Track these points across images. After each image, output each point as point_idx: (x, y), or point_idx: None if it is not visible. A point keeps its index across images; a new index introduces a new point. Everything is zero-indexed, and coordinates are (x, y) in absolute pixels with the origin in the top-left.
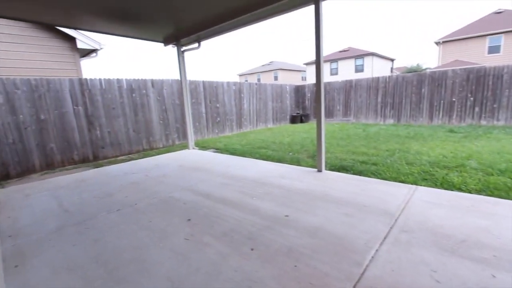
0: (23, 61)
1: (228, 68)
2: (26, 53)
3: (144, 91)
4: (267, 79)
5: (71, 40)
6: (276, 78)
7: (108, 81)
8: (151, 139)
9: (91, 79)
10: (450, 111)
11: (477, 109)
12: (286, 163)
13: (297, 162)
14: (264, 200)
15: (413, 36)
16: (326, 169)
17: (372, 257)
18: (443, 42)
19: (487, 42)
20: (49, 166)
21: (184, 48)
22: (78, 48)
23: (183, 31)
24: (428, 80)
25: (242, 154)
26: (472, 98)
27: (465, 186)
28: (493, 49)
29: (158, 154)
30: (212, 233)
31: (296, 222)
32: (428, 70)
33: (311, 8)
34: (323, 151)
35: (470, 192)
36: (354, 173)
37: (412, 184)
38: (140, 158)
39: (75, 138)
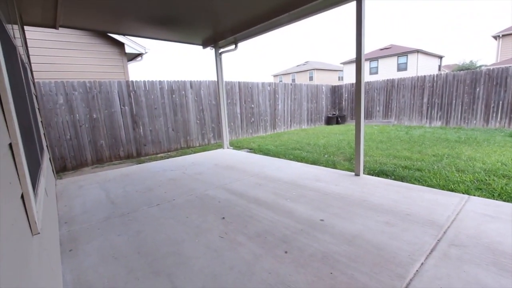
0: (79, 65)
1: (263, 69)
2: (82, 58)
3: (183, 92)
4: (302, 79)
5: (120, 45)
6: (311, 78)
7: (151, 83)
8: (188, 138)
9: (136, 81)
10: (511, 113)
11: None
12: (321, 166)
13: (333, 165)
14: (298, 202)
15: (465, 30)
16: (364, 173)
17: (417, 271)
18: (503, 35)
19: None
20: (99, 160)
21: (221, 50)
22: (126, 53)
23: (220, 34)
24: (484, 79)
25: (276, 155)
26: None
27: None
28: None
29: (195, 152)
30: (245, 233)
31: (332, 227)
32: (483, 68)
33: (350, 5)
34: (362, 154)
35: None
36: (395, 179)
37: (463, 193)
38: (178, 156)
39: (121, 136)
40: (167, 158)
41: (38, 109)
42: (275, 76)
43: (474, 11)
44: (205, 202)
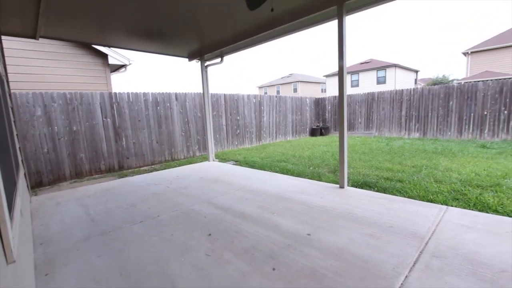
0: (60, 76)
1: (248, 80)
2: (63, 68)
3: (168, 104)
4: (287, 91)
5: (104, 56)
6: (295, 90)
7: (136, 95)
8: (173, 150)
9: (120, 93)
10: (482, 125)
11: None
12: (307, 178)
13: (318, 177)
14: (284, 216)
15: (438, 47)
16: (348, 185)
17: (402, 284)
18: (472, 52)
19: None
20: (78, 175)
21: (207, 63)
22: (109, 64)
23: (206, 47)
24: (456, 93)
25: (262, 167)
26: (506, 112)
27: (502, 208)
28: None
29: (180, 165)
30: (232, 249)
31: (318, 241)
32: (455, 82)
33: (333, 22)
34: (346, 167)
35: (508, 215)
36: (378, 190)
37: (442, 204)
38: (162, 169)
39: (103, 149)
40: (151, 171)
41: (14, 121)
42: (260, 87)
43: (445, 29)
44: (191, 217)
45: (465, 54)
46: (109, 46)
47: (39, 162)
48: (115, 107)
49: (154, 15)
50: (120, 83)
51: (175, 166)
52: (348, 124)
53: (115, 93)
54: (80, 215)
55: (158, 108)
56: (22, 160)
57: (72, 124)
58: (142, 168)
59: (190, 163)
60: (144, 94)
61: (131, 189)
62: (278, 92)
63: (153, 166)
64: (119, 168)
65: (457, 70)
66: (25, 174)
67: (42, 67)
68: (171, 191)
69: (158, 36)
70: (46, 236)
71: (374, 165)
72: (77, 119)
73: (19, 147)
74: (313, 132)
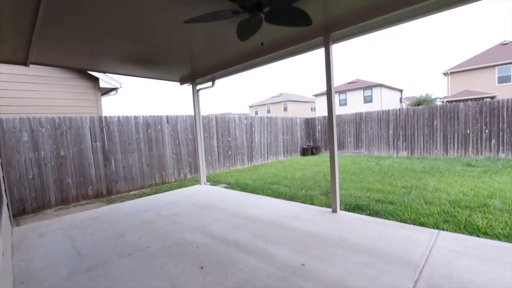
0: (49, 100)
1: (239, 100)
2: (52, 92)
3: (159, 127)
4: (277, 110)
5: (95, 80)
6: (285, 109)
7: (126, 118)
8: (164, 174)
9: (110, 116)
10: (466, 144)
11: (494, 141)
12: (299, 201)
13: (311, 200)
14: (278, 245)
15: (420, 67)
16: (341, 209)
17: None
18: (451, 73)
19: (496, 73)
20: (64, 201)
21: (199, 87)
22: (100, 87)
23: (198, 72)
24: (440, 113)
25: (254, 190)
26: (487, 131)
27: (491, 230)
28: (503, 79)
29: (170, 189)
30: (226, 285)
31: (313, 272)
32: (438, 103)
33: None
34: (338, 191)
35: (497, 237)
36: (370, 213)
37: (433, 227)
38: (153, 193)
39: (91, 173)
40: (141, 196)
41: None
42: (251, 107)
43: (426, 50)
44: (182, 248)
45: (445, 74)
46: (101, 72)
47: (23, 189)
48: (105, 131)
49: (146, 43)
50: (111, 106)
51: (166, 190)
52: (338, 143)
53: (106, 117)
54: (66, 248)
55: (149, 131)
56: (5, 190)
57: (59, 149)
58: (131, 193)
59: (181, 186)
60: (135, 117)
61: (120, 217)
62: (268, 111)
63: (143, 190)
64: (107, 193)
65: (439, 89)
66: (7, 204)
67: (31, 91)
68: (162, 218)
69: (150, 62)
70: (28, 274)
71: (365, 186)
72: (65, 144)
73: (3, 176)
74: (304, 152)
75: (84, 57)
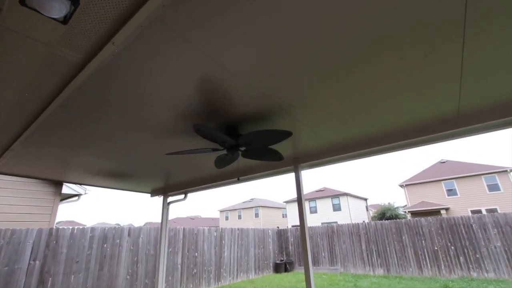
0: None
1: (209, 204)
2: (5, 197)
3: (118, 241)
4: (248, 216)
5: (58, 185)
6: (257, 215)
7: (81, 230)
8: None
9: (62, 229)
10: (437, 261)
11: (462, 259)
12: None
13: None
14: None
15: (379, 177)
16: None
17: None
18: (406, 185)
19: (443, 186)
20: None
21: (170, 199)
22: (61, 193)
23: (171, 186)
24: (406, 228)
25: None
26: (453, 247)
27: None
28: (451, 192)
29: None
30: None
31: None
32: (401, 212)
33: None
34: None
35: None
36: None
37: None
38: None
39: None
40: None
41: None
42: (221, 211)
43: (385, 165)
44: None
45: (401, 186)
46: (69, 183)
47: None
48: (51, 246)
49: (124, 162)
50: (71, 210)
51: None
52: (313, 258)
53: (57, 229)
54: None
55: (105, 245)
56: None
57: None
58: None
59: None
60: (92, 229)
61: None
62: (239, 216)
63: None
64: None
65: (399, 198)
66: None
67: None
68: None
69: (123, 176)
70: None
71: None
72: None
73: None
74: (277, 268)
75: (53, 169)
